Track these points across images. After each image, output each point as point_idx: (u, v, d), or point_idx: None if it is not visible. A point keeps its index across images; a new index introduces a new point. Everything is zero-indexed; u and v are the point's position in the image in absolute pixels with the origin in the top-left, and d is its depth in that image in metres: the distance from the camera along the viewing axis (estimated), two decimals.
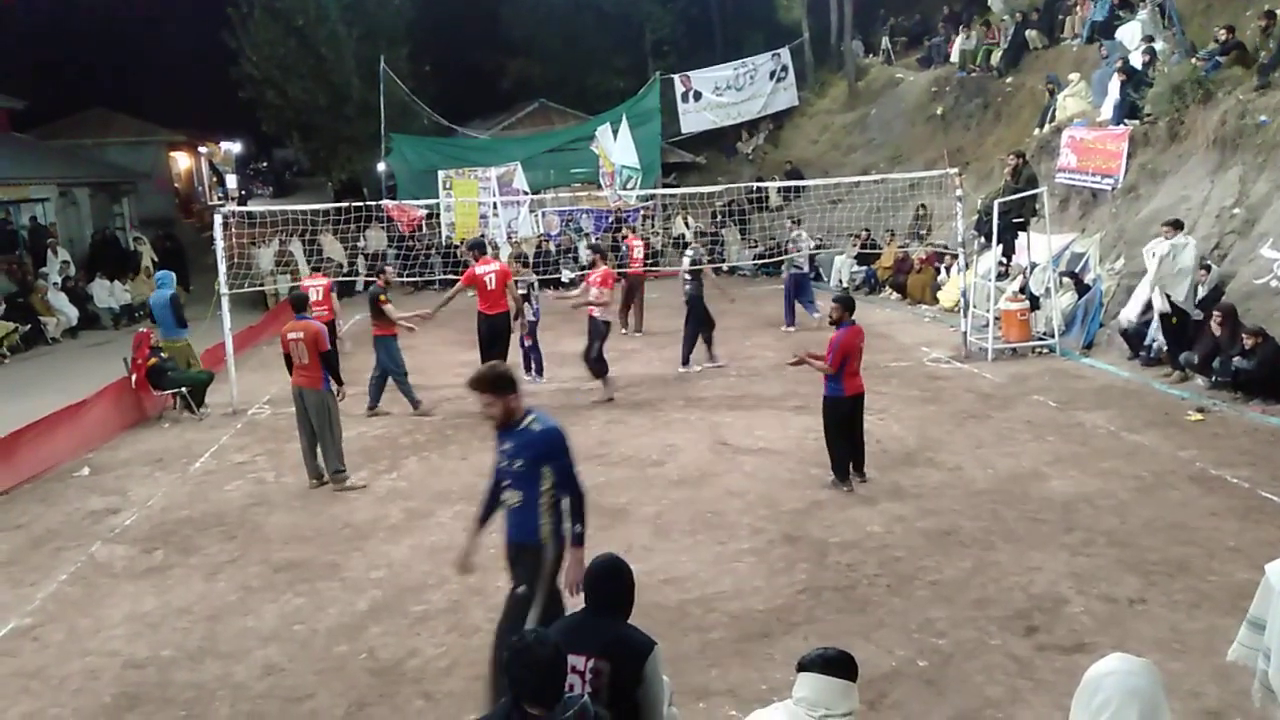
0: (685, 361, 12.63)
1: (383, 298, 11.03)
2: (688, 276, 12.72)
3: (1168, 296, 10.71)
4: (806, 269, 15.95)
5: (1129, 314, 11.61)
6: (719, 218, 22.67)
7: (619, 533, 7.21)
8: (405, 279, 19.11)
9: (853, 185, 19.78)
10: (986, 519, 7.15)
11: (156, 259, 22.88)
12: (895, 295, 17.38)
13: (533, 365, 12.21)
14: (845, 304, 7.86)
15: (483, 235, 19.35)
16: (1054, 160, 15.48)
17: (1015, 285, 13.20)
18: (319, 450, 8.67)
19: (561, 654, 2.98)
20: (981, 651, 5.29)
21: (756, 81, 26.42)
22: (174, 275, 13.06)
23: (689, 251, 13.52)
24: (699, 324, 12.63)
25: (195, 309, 18.63)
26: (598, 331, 11.28)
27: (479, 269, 11.16)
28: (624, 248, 16.39)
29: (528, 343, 12.05)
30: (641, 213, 23.91)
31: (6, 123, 25.87)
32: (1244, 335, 9.70)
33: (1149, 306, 11.20)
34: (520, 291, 11.60)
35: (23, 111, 26.85)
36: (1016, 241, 13.61)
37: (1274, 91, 11.83)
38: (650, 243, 21.96)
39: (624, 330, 15.01)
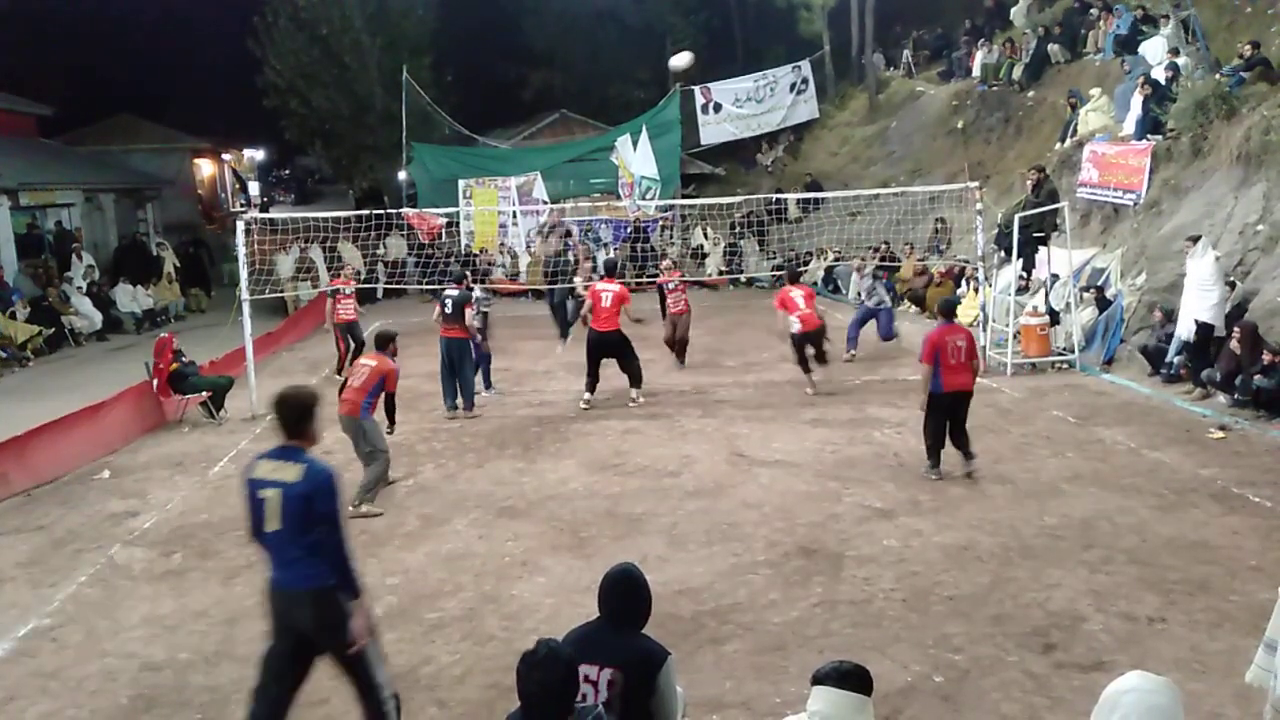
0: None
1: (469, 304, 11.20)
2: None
3: (1197, 322, 10.63)
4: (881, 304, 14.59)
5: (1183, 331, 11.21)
6: (738, 229, 22.69)
7: (634, 543, 7.21)
8: (424, 287, 19.23)
9: (872, 198, 19.74)
10: (1004, 535, 7.10)
11: (179, 265, 23.14)
12: (914, 309, 17.31)
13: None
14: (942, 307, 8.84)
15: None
16: (1075, 175, 15.41)
17: (1035, 300, 13.13)
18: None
19: (574, 667, 2.99)
20: (998, 668, 5.25)
21: (777, 94, 26.43)
22: None
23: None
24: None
25: (216, 314, 18.88)
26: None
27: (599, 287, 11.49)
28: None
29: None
30: (660, 223, 23.96)
31: (34, 128, 26.20)
32: (1265, 353, 9.62)
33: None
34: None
35: (50, 117, 27.17)
36: (1036, 256, 13.55)
37: None
38: (668, 253, 22.07)
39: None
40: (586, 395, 11.49)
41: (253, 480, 4.28)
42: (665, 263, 15.63)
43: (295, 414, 4.36)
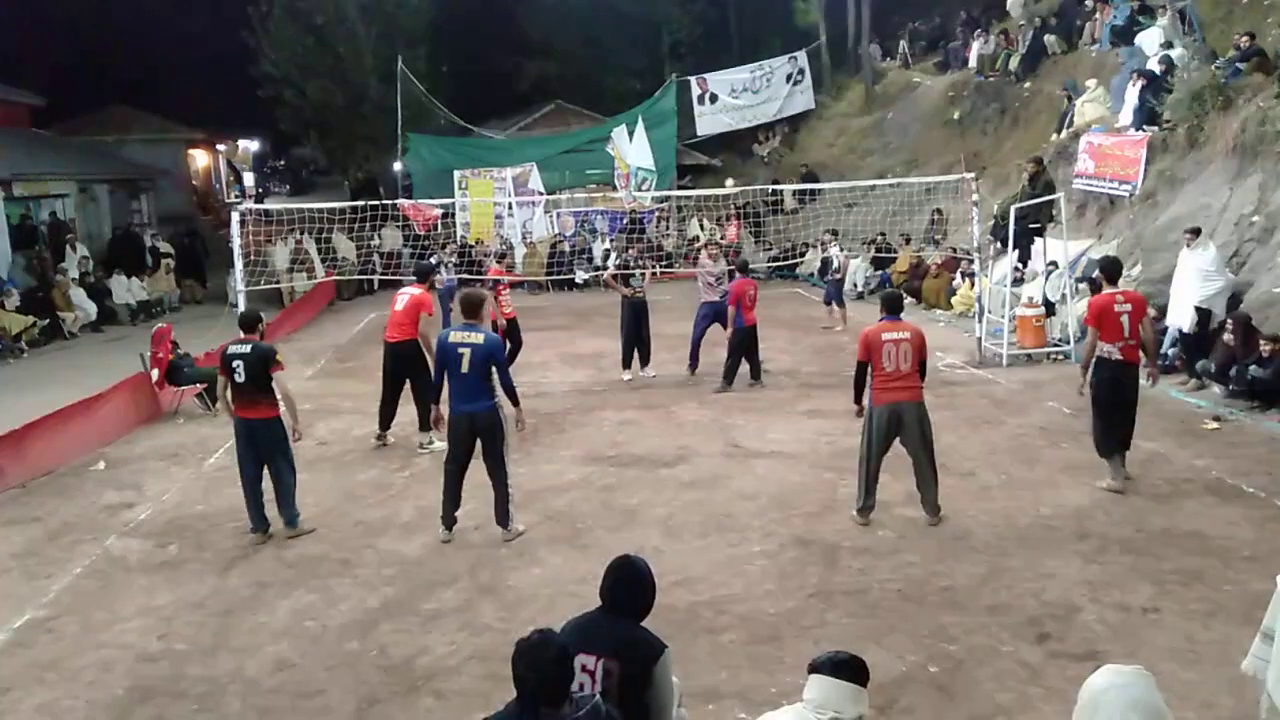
0: None
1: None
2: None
3: (1197, 308, 10.65)
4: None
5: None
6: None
7: (630, 534, 7.22)
8: None
9: (868, 189, 19.74)
10: (1000, 525, 7.12)
11: (174, 255, 23.05)
12: (910, 300, 17.29)
13: None
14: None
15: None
16: (1071, 166, 15.41)
17: (1031, 291, 13.14)
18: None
19: (567, 653, 2.98)
20: (993, 658, 5.27)
21: (773, 84, 26.38)
22: None
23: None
24: None
25: (211, 306, 18.83)
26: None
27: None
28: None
29: None
30: (656, 214, 23.93)
31: (28, 119, 26.07)
32: (1262, 342, 9.64)
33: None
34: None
35: (44, 108, 27.05)
36: (1032, 247, 13.55)
37: None
38: (663, 245, 22.03)
39: None
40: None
41: (451, 343, 6.84)
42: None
43: (472, 305, 7.08)
